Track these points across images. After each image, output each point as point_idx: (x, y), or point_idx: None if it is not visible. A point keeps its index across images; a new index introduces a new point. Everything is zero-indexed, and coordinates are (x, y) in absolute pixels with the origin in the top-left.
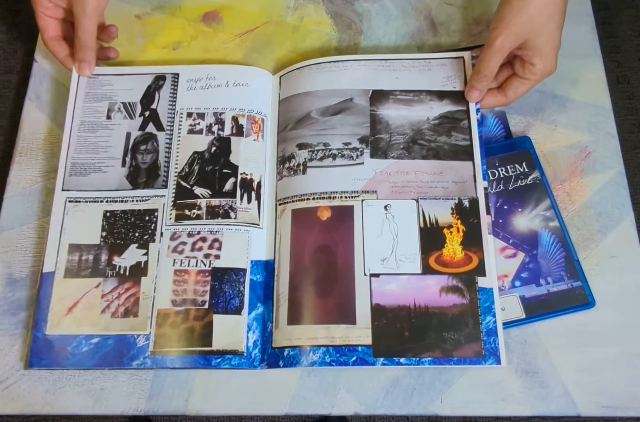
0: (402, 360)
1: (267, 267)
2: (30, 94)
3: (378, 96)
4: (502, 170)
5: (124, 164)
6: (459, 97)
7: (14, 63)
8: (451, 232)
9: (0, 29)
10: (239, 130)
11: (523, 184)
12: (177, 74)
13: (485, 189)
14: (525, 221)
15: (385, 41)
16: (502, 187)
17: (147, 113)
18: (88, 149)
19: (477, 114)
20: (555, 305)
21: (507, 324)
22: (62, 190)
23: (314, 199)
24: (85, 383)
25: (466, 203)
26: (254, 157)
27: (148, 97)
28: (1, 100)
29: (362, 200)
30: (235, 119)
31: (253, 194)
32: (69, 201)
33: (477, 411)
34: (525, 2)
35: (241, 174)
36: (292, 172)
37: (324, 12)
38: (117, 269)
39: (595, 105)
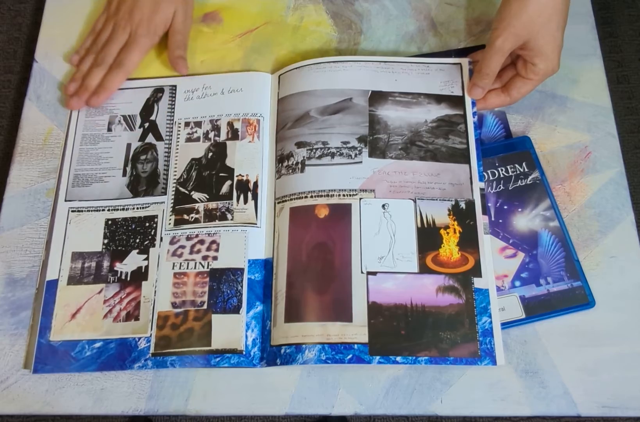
0: (398, 358)
1: (266, 266)
2: (30, 94)
3: (377, 97)
4: (502, 170)
5: (124, 174)
6: (456, 101)
7: (14, 63)
8: (448, 233)
9: (0, 29)
10: (234, 135)
11: (523, 184)
12: (175, 86)
13: (482, 190)
14: (525, 221)
15: (385, 41)
16: (502, 187)
17: (146, 124)
18: (90, 160)
19: (473, 118)
20: (555, 305)
21: (507, 324)
22: (65, 200)
23: (312, 197)
24: (85, 383)
25: (462, 205)
26: (249, 158)
27: (147, 110)
28: (1, 100)
29: (360, 199)
30: (230, 124)
31: (249, 194)
32: (72, 211)
33: (477, 411)
34: (524, 3)
35: (237, 176)
36: (290, 171)
37: (324, 12)
38: (118, 275)
39: (595, 105)
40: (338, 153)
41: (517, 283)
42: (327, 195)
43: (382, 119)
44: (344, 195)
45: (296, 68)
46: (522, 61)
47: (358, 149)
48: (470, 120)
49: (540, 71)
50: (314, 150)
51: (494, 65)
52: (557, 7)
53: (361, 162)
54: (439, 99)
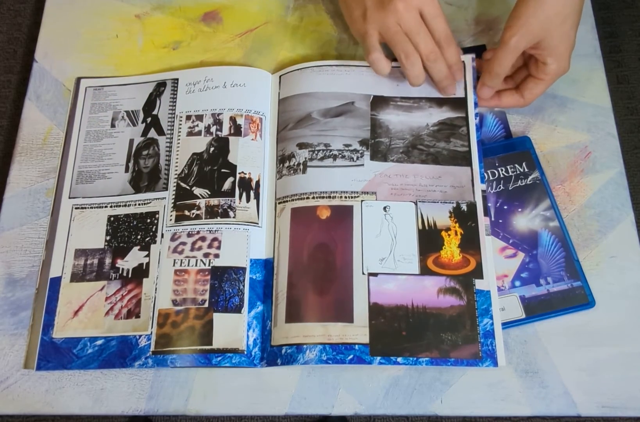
0: (399, 359)
1: (267, 266)
2: (30, 94)
3: (379, 101)
4: (502, 170)
5: (127, 170)
6: (458, 104)
7: (14, 63)
8: (449, 235)
9: (0, 29)
10: (236, 130)
11: (523, 184)
12: (177, 79)
13: (483, 192)
14: (525, 221)
15: None
16: (502, 187)
17: (149, 119)
18: (93, 157)
19: (475, 120)
20: (555, 305)
21: (507, 324)
22: (69, 197)
23: (313, 198)
24: (85, 383)
25: (464, 207)
26: (252, 156)
27: (150, 104)
28: (1, 100)
29: (362, 201)
30: (233, 119)
31: (252, 193)
32: (75, 208)
33: (477, 411)
34: (541, 1)
35: (239, 173)
36: (292, 171)
37: (324, 12)
38: (120, 272)
39: (595, 105)
40: (340, 155)
41: (517, 283)
42: (329, 197)
43: (383, 123)
44: (345, 197)
45: (298, 69)
46: (534, 61)
47: (360, 152)
48: (472, 123)
49: (551, 71)
50: (316, 152)
51: (506, 64)
52: (573, 6)
53: (363, 164)
54: (440, 102)
